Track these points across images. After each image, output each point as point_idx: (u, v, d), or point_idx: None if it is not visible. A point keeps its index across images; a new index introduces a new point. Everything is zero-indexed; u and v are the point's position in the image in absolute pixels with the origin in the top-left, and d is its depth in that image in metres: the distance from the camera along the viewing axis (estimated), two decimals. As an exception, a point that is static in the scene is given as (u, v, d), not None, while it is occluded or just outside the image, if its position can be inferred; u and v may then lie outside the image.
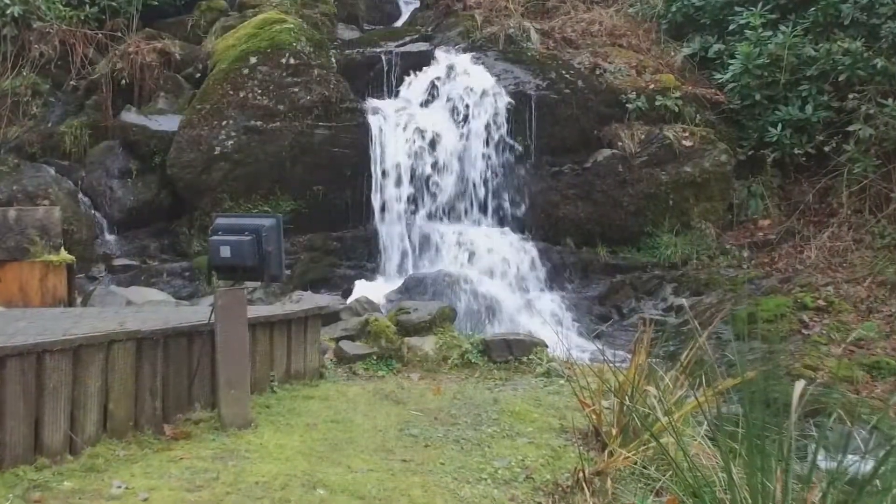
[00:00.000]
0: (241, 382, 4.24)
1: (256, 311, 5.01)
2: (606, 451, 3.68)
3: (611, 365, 4.33)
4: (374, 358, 5.72)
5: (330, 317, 6.14)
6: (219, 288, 4.31)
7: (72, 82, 10.42)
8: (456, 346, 5.88)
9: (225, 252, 4.24)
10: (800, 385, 2.53)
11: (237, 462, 3.80)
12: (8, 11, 10.05)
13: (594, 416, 4.12)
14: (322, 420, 4.44)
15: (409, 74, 10.41)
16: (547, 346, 5.94)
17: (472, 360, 5.78)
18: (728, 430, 3.27)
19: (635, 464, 3.75)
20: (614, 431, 3.73)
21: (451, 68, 10.37)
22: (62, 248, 5.90)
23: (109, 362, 3.91)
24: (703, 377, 3.78)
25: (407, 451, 4.07)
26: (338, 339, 5.91)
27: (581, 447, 4.04)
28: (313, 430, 4.27)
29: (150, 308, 5.62)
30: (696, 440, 3.73)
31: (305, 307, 5.29)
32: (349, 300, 7.33)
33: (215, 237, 4.32)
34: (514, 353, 5.79)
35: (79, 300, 6.30)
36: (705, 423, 3.77)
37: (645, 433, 3.66)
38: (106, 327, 4.02)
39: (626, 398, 3.89)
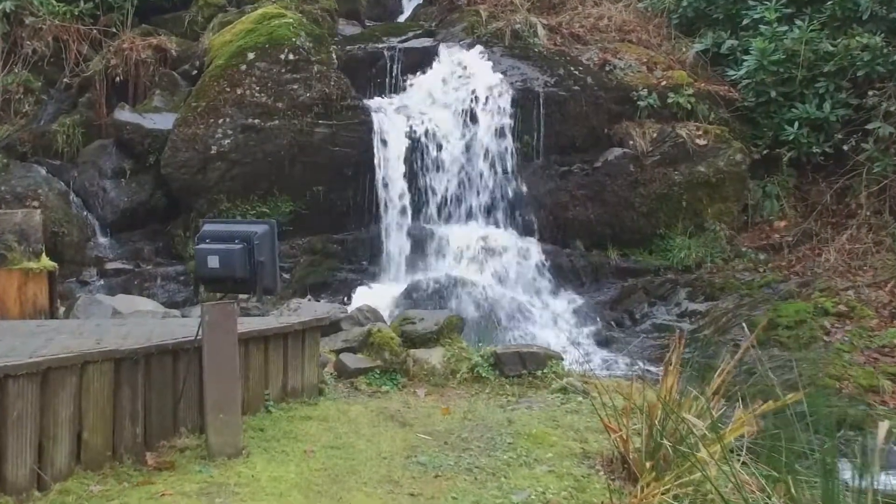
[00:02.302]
0: (231, 406, 3.84)
1: (249, 323, 4.63)
2: (639, 486, 3.29)
3: (636, 382, 3.96)
4: (378, 372, 5.34)
5: (330, 327, 5.76)
6: (206, 302, 3.91)
7: (65, 80, 10.28)
8: (465, 359, 5.50)
9: (213, 262, 3.82)
10: (884, 426, 2.17)
11: (225, 499, 3.40)
12: (-1, 7, 9.77)
13: (620, 442, 3.74)
14: (321, 445, 4.05)
15: (412, 71, 10.07)
16: (562, 359, 5.57)
17: (483, 375, 5.40)
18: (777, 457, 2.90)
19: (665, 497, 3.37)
20: (648, 464, 3.34)
21: (455, 65, 10.04)
22: (43, 254, 5.53)
23: (83, 386, 3.51)
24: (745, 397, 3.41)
25: (415, 483, 3.69)
26: (338, 352, 5.55)
27: (607, 477, 3.67)
28: (311, 458, 3.88)
29: (136, 320, 5.24)
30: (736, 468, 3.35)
31: (303, 319, 4.90)
32: (350, 308, 6.97)
33: (202, 245, 3.90)
34: (528, 366, 5.42)
35: (61, 309, 5.94)
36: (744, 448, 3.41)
37: (680, 463, 3.29)
38: (80, 346, 3.62)
39: (657, 423, 3.50)
